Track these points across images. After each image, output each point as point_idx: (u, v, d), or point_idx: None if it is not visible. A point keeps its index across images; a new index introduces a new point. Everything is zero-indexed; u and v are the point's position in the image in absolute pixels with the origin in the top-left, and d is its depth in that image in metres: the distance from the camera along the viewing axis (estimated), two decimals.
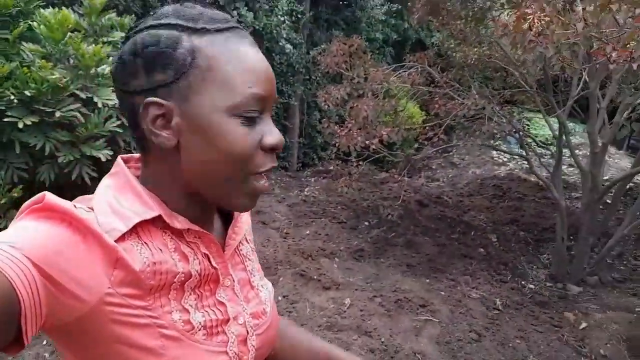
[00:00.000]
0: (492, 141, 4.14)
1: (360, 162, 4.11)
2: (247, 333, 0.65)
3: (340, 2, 6.87)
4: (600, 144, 3.76)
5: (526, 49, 2.08)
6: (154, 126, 0.56)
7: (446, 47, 5.17)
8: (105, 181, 0.61)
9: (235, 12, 4.88)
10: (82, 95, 3.01)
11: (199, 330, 0.59)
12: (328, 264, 3.87)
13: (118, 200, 0.57)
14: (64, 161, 2.95)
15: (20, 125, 2.73)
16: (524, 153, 4.38)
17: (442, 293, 3.54)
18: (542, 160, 5.40)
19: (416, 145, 4.63)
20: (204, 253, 0.62)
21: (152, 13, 0.60)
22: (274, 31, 5.27)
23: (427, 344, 2.94)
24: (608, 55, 1.86)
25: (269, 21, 5.24)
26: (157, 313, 0.55)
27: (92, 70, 3.08)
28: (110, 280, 0.51)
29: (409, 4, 4.95)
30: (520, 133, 4.29)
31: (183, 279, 0.58)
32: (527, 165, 5.83)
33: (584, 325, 3.41)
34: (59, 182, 3.17)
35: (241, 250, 0.72)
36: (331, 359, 0.88)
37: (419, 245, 4.30)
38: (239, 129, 0.56)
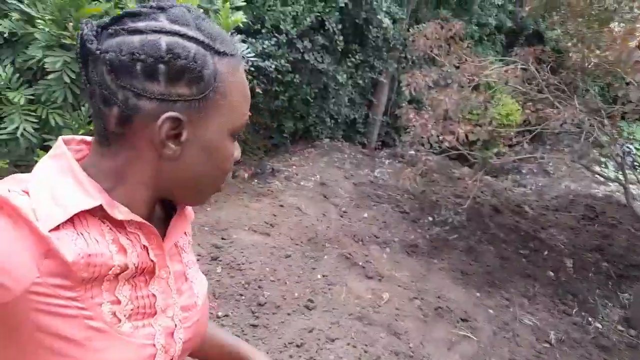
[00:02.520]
0: (585, 159, 3.64)
1: (429, 157, 3.84)
2: (175, 326, 0.66)
3: None
4: None
5: (632, 69, 1.74)
6: (166, 137, 0.57)
7: (563, 45, 4.60)
8: (44, 163, 0.59)
9: None
10: None
11: (126, 322, 0.59)
12: (377, 253, 3.74)
13: (57, 185, 0.56)
14: None
15: None
16: (621, 178, 3.83)
17: (491, 311, 3.28)
18: None
19: (502, 149, 4.22)
20: (143, 245, 0.61)
21: (156, 7, 0.58)
22: (375, 2, 5.02)
23: None
24: None
25: None
26: (86, 304, 0.54)
27: None
28: (39, 270, 0.50)
29: None
30: (621, 156, 3.75)
31: (118, 271, 0.58)
32: (633, 190, 5.18)
33: None
34: None
35: (178, 242, 0.72)
36: (240, 352, 0.90)
37: (480, 254, 4.00)
38: (231, 148, 0.63)
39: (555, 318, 3.47)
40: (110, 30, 0.56)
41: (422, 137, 3.49)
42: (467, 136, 3.41)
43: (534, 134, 3.46)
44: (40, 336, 0.52)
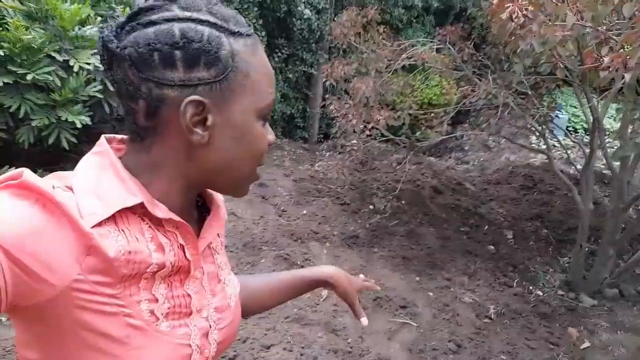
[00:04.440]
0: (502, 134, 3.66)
1: (354, 148, 3.79)
2: (210, 327, 0.66)
3: None
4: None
5: (508, 42, 1.72)
6: (191, 123, 0.56)
7: (480, 21, 4.64)
8: (87, 160, 0.60)
9: None
10: (59, 58, 2.90)
11: (164, 321, 0.59)
12: (317, 249, 3.68)
13: (100, 182, 0.56)
14: (39, 124, 2.88)
15: None
16: (545, 148, 3.90)
17: (430, 294, 3.28)
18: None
19: (429, 133, 4.22)
20: (180, 244, 0.62)
21: None
22: None
23: (398, 351, 2.72)
24: (600, 60, 1.49)
25: None
26: (126, 302, 0.55)
27: (71, 32, 2.95)
28: (81, 267, 0.51)
29: None
30: (543, 127, 3.81)
31: (156, 269, 0.58)
32: (567, 155, 5.31)
33: (586, 345, 3.07)
34: (38, 146, 3.13)
35: (212, 243, 0.72)
36: (282, 280, 0.96)
37: (421, 237, 4.01)
38: (261, 130, 0.62)
39: (496, 292, 3.50)
40: (127, 28, 0.57)
41: (347, 128, 3.43)
42: (387, 123, 3.37)
43: (453, 112, 3.45)
44: (82, 333, 0.53)
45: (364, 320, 1.02)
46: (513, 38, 1.70)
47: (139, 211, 0.58)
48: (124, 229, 0.56)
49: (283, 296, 0.96)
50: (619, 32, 1.91)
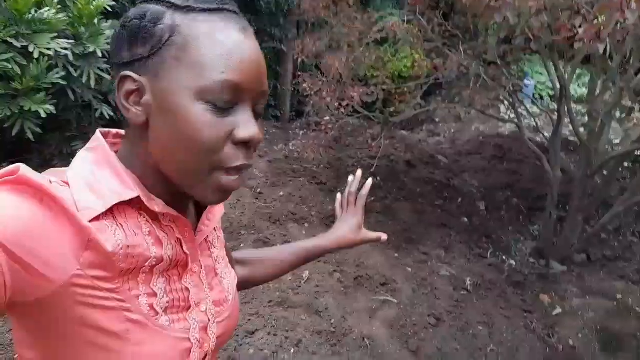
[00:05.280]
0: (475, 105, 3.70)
1: (330, 126, 3.77)
2: (209, 321, 0.65)
3: None
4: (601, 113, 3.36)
5: (484, 14, 1.72)
6: (126, 101, 0.55)
7: None
8: (82, 155, 0.59)
9: None
10: (17, 44, 2.74)
11: (163, 315, 0.58)
12: (296, 231, 3.69)
13: (96, 177, 0.56)
14: (0, 115, 2.74)
15: None
16: (515, 117, 3.96)
17: (409, 269, 3.35)
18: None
19: (401, 107, 4.22)
20: (177, 238, 0.61)
21: None
22: None
23: (380, 328, 2.79)
24: (575, 31, 1.50)
25: None
26: (125, 296, 0.54)
27: (28, 15, 2.78)
28: (79, 262, 0.50)
29: None
30: (513, 97, 3.86)
31: (154, 263, 0.58)
32: (535, 124, 5.41)
33: (557, 311, 3.21)
34: (1, 137, 2.99)
35: (208, 237, 0.71)
36: (297, 251, 1.02)
37: (397, 212, 4.07)
38: (206, 116, 0.53)
39: (471, 263, 3.61)
40: None
41: (321, 105, 3.40)
42: (361, 99, 3.34)
43: (427, 86, 3.45)
44: (81, 329, 0.52)
45: (384, 237, 1.08)
46: (487, 10, 1.69)
47: (136, 205, 0.57)
48: (122, 223, 0.55)
49: (293, 267, 1.02)
50: (592, 2, 1.92)
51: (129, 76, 0.55)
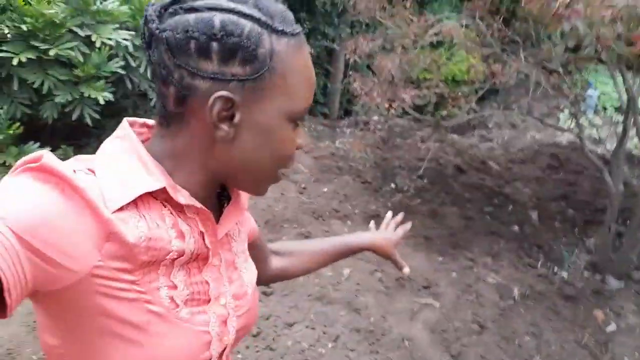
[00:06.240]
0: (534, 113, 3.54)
1: (389, 122, 3.70)
2: (228, 314, 0.65)
3: None
4: None
5: (551, 22, 1.63)
6: (218, 118, 0.55)
7: None
8: (110, 143, 0.59)
9: None
10: (81, 33, 2.87)
11: (184, 308, 0.59)
12: (338, 227, 3.66)
13: (123, 165, 0.56)
14: (62, 101, 2.88)
15: (15, 62, 2.64)
16: (575, 127, 3.76)
17: (453, 274, 3.24)
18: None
19: (453, 111, 4.10)
20: (200, 231, 0.61)
21: None
22: None
23: (421, 330, 2.71)
24: None
25: None
26: (145, 288, 0.55)
27: (93, 7, 2.91)
28: (100, 253, 0.50)
29: None
30: (575, 107, 3.67)
31: (175, 256, 0.58)
32: (598, 135, 5.15)
33: (612, 327, 3.02)
34: (61, 121, 3.14)
35: (229, 230, 0.71)
36: (328, 247, 1.03)
37: (443, 217, 3.96)
38: (291, 134, 0.60)
39: (520, 273, 3.45)
40: (170, 10, 0.55)
41: (370, 106, 3.36)
42: (413, 101, 3.28)
43: (482, 91, 3.34)
44: (102, 319, 0.52)
45: (406, 270, 1.10)
46: (554, 18, 1.60)
47: (160, 197, 0.57)
48: (145, 215, 0.55)
49: (329, 260, 1.04)
50: None
51: (226, 97, 0.54)
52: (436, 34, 3.72)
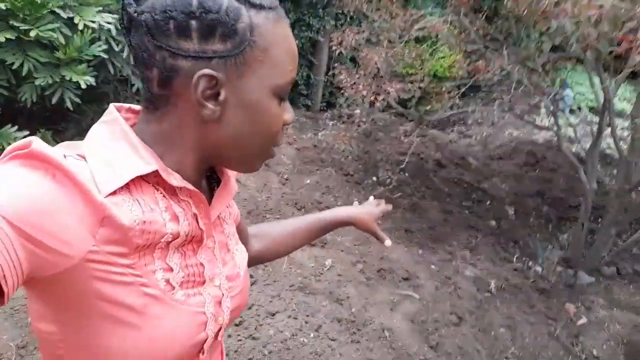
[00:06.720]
0: (515, 110, 3.62)
1: (372, 116, 3.73)
2: (222, 295, 0.66)
3: None
4: None
5: (539, 20, 1.66)
6: (203, 97, 0.55)
7: None
8: (98, 128, 0.58)
9: None
10: (63, 15, 2.80)
11: (179, 290, 0.59)
12: None
13: (113, 150, 0.55)
14: (42, 83, 2.81)
15: None
16: (553, 125, 3.86)
17: (433, 267, 3.30)
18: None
19: (435, 106, 4.16)
20: (193, 213, 0.61)
21: None
22: None
23: (400, 321, 2.76)
24: (636, 44, 1.44)
25: None
26: (141, 271, 0.55)
27: None
28: (95, 238, 0.50)
29: None
30: (554, 106, 3.77)
31: (170, 239, 0.58)
32: (574, 134, 5.27)
33: (583, 321, 3.13)
34: (40, 104, 3.06)
35: (221, 213, 0.72)
36: (304, 224, 1.01)
37: (424, 211, 4.02)
38: (277, 108, 0.60)
39: (496, 266, 3.54)
40: None
41: (355, 98, 3.37)
42: (397, 95, 3.31)
43: (465, 88, 3.39)
44: (99, 303, 0.52)
45: (388, 242, 1.07)
46: (543, 16, 1.63)
47: (152, 180, 0.57)
48: (139, 199, 0.55)
49: (306, 239, 1.02)
50: None
51: (209, 75, 0.54)
52: (421, 29, 3.76)
